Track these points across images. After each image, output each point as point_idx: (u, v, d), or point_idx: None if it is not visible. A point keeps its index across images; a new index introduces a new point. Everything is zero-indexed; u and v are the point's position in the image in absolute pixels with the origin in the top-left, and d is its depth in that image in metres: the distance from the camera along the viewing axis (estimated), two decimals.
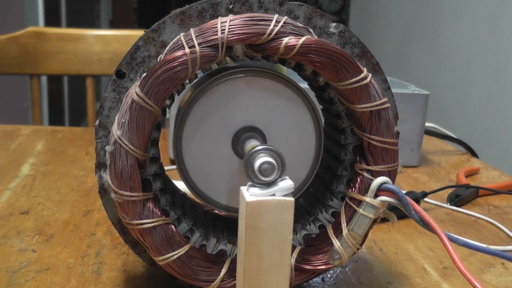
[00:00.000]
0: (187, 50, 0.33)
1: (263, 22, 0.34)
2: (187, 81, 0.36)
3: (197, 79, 0.39)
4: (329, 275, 0.45)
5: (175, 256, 0.36)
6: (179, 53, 0.33)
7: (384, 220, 0.56)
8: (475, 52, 1.77)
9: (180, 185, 0.43)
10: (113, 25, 4.30)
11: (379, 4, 2.80)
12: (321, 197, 0.42)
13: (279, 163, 0.33)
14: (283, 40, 0.34)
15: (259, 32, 0.34)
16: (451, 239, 0.33)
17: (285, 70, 0.57)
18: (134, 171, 0.35)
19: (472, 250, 0.36)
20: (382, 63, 0.40)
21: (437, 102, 1.90)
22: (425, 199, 0.63)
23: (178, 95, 0.38)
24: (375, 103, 0.36)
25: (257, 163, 0.33)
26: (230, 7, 0.35)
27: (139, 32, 1.12)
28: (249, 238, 0.33)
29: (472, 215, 0.61)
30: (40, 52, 1.13)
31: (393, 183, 0.37)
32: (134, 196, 0.35)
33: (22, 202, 0.58)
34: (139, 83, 0.34)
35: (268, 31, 0.34)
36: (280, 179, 0.34)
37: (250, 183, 0.34)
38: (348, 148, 0.39)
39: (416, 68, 2.27)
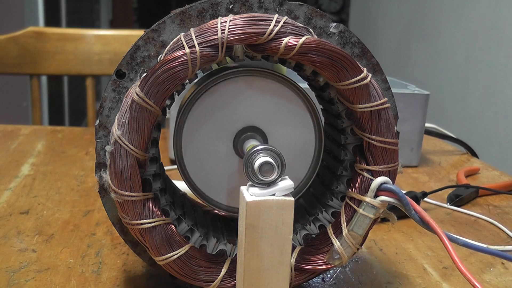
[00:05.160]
0: (187, 50, 0.33)
1: (263, 22, 0.34)
2: (187, 81, 0.36)
3: (197, 79, 0.39)
4: (329, 275, 0.45)
5: (175, 256, 0.36)
6: (179, 53, 0.33)
7: (384, 220, 0.56)
8: (475, 52, 1.77)
9: (180, 185, 0.43)
10: (113, 25, 4.29)
11: (379, 4, 2.80)
12: (321, 197, 0.42)
13: (279, 163, 0.33)
14: (283, 40, 0.34)
15: (259, 32, 0.34)
16: (451, 239, 0.33)
17: (285, 70, 0.57)
18: (134, 171, 0.35)
19: (472, 250, 0.36)
20: (382, 63, 0.40)
21: (437, 102, 1.90)
22: (425, 199, 0.63)
23: (178, 95, 0.38)
24: (375, 103, 0.36)
25: (257, 163, 0.33)
26: (230, 7, 0.35)
27: (139, 32, 1.12)
28: (249, 238, 0.33)
29: (472, 215, 0.61)
30: (40, 52, 1.13)
31: (393, 183, 0.37)
32: (134, 196, 0.35)
33: (22, 202, 0.58)
34: (139, 83, 0.34)
35: (268, 31, 0.34)
36: (280, 179, 0.34)
37: (250, 183, 0.34)
38: (348, 148, 0.39)
39: (416, 68, 2.27)
